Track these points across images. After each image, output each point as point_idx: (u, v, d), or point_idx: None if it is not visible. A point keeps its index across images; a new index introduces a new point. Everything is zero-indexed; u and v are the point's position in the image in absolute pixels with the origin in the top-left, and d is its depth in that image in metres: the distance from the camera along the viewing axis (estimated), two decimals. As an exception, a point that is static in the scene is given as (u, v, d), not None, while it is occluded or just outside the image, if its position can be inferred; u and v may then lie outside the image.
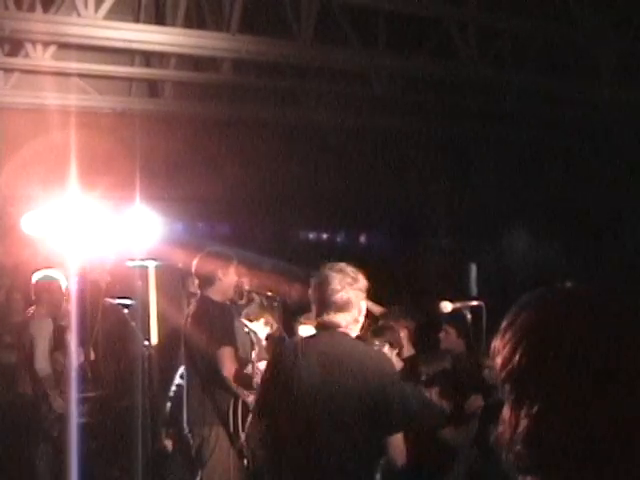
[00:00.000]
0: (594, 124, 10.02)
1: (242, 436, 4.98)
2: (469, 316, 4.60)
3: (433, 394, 5.10)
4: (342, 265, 3.54)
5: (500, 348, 1.23)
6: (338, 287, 3.43)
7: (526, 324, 1.22)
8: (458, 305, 4.50)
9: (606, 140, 10.14)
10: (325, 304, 3.46)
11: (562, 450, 1.15)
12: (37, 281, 6.48)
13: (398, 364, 5.17)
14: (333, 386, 3.32)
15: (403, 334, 5.81)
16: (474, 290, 11.77)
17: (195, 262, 5.26)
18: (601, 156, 10.32)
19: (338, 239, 12.50)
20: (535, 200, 11.30)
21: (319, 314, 3.49)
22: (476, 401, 5.35)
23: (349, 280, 3.47)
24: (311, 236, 12.24)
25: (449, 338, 6.03)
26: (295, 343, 3.86)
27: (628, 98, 8.81)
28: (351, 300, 3.45)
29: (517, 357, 1.20)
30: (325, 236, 12.38)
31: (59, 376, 6.32)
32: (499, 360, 1.23)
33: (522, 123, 10.70)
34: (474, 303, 4.46)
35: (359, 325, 3.58)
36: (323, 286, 3.46)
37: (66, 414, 6.45)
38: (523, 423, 1.17)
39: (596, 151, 10.40)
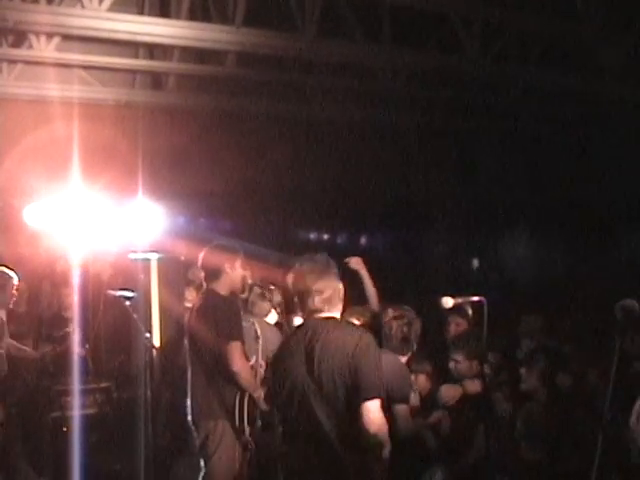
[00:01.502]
0: (598, 122, 10.01)
1: (247, 430, 4.98)
2: (470, 312, 4.59)
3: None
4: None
5: None
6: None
7: None
8: (459, 300, 4.48)
9: (610, 138, 10.12)
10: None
11: None
12: None
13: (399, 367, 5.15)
14: (321, 365, 3.41)
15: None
16: (475, 286, 11.77)
17: (202, 255, 5.22)
18: (604, 154, 10.31)
19: (339, 239, 12.49)
20: (538, 197, 11.29)
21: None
22: (448, 391, 5.32)
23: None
24: (312, 235, 12.23)
25: (460, 329, 6.01)
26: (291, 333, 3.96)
27: (632, 96, 8.80)
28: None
29: None
30: (327, 232, 12.37)
31: None
32: None
33: (526, 120, 10.69)
34: (475, 299, 4.44)
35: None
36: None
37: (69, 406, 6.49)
38: None
39: (599, 149, 10.39)
